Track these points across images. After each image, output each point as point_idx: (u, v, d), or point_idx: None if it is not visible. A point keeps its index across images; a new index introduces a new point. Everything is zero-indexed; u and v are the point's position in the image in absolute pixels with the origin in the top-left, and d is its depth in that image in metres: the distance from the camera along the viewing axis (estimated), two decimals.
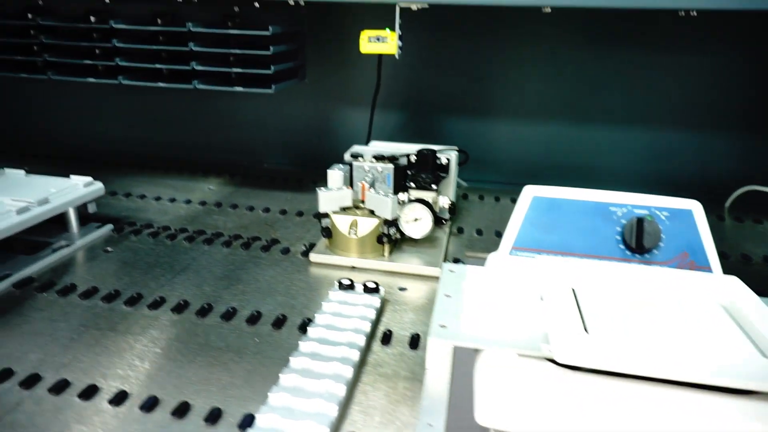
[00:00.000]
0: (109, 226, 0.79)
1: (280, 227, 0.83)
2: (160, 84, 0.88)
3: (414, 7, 0.77)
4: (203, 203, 0.92)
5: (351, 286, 0.62)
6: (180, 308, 0.60)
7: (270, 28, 0.79)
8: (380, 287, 0.62)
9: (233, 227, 0.82)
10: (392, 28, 0.78)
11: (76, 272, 0.68)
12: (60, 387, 0.48)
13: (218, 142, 1.15)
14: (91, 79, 0.90)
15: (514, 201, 0.96)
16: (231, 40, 0.85)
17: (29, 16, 0.89)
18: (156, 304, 0.61)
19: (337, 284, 0.62)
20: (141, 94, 1.13)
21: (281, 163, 1.14)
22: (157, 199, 0.93)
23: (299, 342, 0.52)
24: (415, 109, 1.06)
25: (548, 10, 0.74)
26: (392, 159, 0.80)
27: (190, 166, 1.11)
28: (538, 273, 0.55)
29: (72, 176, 0.78)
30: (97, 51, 0.89)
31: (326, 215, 0.71)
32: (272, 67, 0.81)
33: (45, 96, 1.20)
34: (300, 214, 0.88)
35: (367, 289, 0.61)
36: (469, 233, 0.83)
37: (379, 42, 0.78)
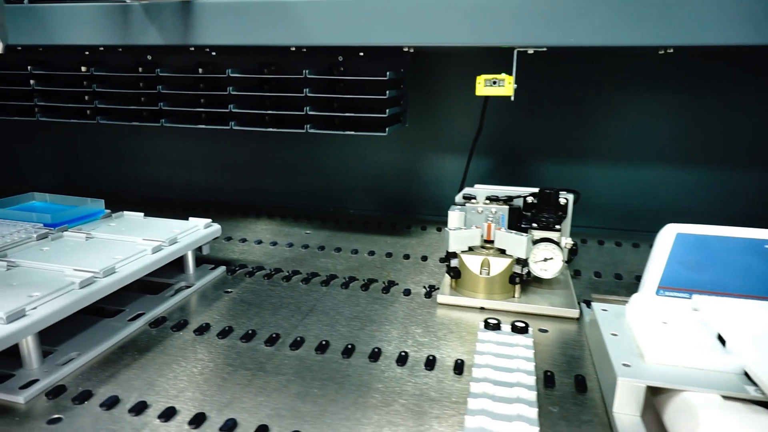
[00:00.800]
0: (222, 268, 0.79)
1: (392, 269, 0.81)
2: (270, 129, 0.89)
3: (530, 50, 0.78)
4: (306, 246, 0.91)
5: (497, 326, 0.60)
6: (322, 348, 0.59)
7: (387, 73, 0.81)
8: (529, 327, 0.59)
9: (344, 269, 0.81)
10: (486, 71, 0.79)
11: (204, 312, 0.67)
12: (230, 427, 0.46)
13: (303, 187, 1.16)
14: (164, 123, 0.92)
15: (619, 245, 0.95)
16: (336, 86, 0.87)
17: (83, 69, 0.94)
18: (297, 344, 0.59)
19: (483, 324, 0.60)
20: (220, 140, 1.16)
21: (366, 209, 1.14)
22: (259, 242, 0.93)
23: (471, 383, 0.49)
24: (505, 152, 1.06)
25: (670, 50, 0.74)
26: (506, 200, 0.79)
27: (280, 211, 1.11)
28: (709, 313, 0.53)
29: (191, 218, 0.79)
30: (205, 100, 0.92)
31: (455, 255, 0.70)
32: (387, 111, 0.82)
33: (126, 144, 1.24)
34: (406, 257, 0.87)
35: (516, 329, 0.59)
36: (587, 275, 0.80)
37: (496, 85, 0.79)
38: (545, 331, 0.63)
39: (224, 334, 0.61)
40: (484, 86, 0.80)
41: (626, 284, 0.77)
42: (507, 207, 0.78)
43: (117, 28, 0.84)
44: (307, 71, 0.83)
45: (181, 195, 1.22)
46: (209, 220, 0.78)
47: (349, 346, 0.59)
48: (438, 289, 0.73)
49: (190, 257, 0.76)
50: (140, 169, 1.25)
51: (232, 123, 0.89)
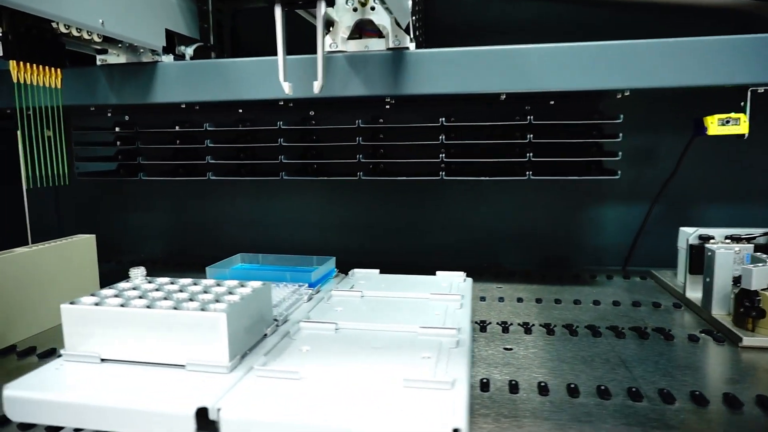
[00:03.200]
0: None
1: (638, 317, 0.78)
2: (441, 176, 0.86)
3: (761, 89, 0.79)
4: (520, 300, 0.86)
5: None
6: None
7: (620, 116, 0.80)
8: None
9: (593, 319, 0.76)
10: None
11: None
12: None
13: (444, 243, 1.11)
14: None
15: None
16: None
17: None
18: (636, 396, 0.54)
19: None
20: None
21: (516, 262, 1.10)
22: None
23: None
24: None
25: None
26: (749, 239, 0.78)
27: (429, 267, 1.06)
28: None
29: (439, 272, 0.73)
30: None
31: (755, 293, 0.67)
32: (620, 154, 0.81)
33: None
34: (636, 304, 0.83)
35: None
36: None
37: (729, 124, 0.80)
38: None
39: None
40: (717, 125, 0.80)
41: None
42: (752, 245, 0.77)
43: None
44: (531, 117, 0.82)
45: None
46: (463, 273, 0.73)
47: (697, 394, 0.54)
48: (717, 333, 0.69)
49: None
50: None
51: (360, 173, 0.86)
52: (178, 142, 1.01)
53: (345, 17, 0.72)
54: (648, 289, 0.91)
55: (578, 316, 0.78)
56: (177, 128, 0.97)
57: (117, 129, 1.03)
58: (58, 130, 0.80)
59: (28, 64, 0.72)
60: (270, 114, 0.98)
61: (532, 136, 0.82)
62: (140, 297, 0.50)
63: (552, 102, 0.91)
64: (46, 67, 0.75)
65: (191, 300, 0.49)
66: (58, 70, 0.78)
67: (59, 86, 0.78)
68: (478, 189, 1.08)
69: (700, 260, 0.78)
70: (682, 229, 0.88)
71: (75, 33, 0.72)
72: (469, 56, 0.74)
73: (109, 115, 1.07)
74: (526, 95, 0.83)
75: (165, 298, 0.50)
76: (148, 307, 0.47)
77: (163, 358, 0.46)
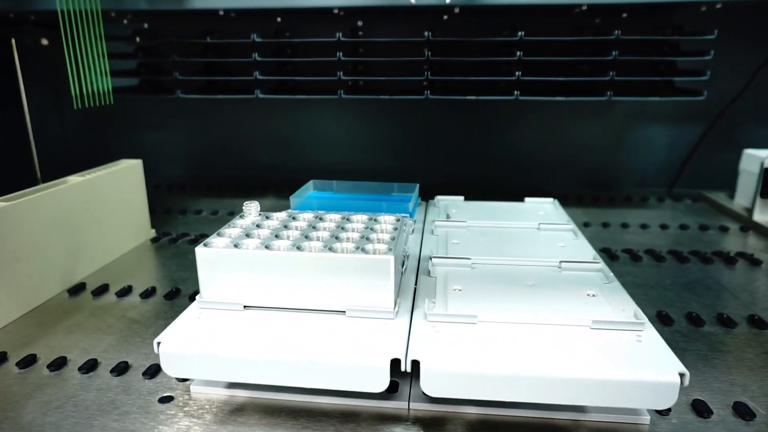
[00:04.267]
0: None
1: (708, 240, 0.78)
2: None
3: None
4: (587, 224, 0.85)
5: None
6: None
7: (716, 31, 0.76)
8: None
9: (667, 244, 0.76)
10: None
11: None
12: None
13: (492, 167, 1.07)
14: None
15: None
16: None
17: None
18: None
19: None
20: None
21: (561, 186, 1.08)
22: None
23: None
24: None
25: None
26: None
27: (479, 194, 1.03)
28: None
29: (527, 198, 0.70)
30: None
31: None
32: (708, 73, 0.78)
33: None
34: (684, 227, 0.83)
35: None
36: None
37: None
38: None
39: None
40: None
41: None
42: None
43: None
44: (617, 32, 0.77)
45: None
46: (551, 199, 0.70)
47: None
48: None
49: None
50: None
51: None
52: (209, 54, 0.92)
53: None
54: (706, 211, 0.92)
55: (653, 240, 0.78)
56: (208, 39, 0.86)
57: (137, 39, 0.92)
58: (99, 39, 0.71)
59: None
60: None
61: (617, 52, 0.77)
62: (276, 236, 0.45)
63: (625, 15, 0.86)
64: None
65: (336, 238, 0.45)
66: None
67: None
68: (522, 110, 1.03)
69: None
70: (747, 151, 0.87)
71: None
72: None
73: (126, 22, 0.95)
74: (600, 7, 0.77)
75: (306, 237, 0.45)
76: (298, 248, 0.43)
77: (316, 303, 0.42)
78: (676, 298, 0.60)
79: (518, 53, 0.79)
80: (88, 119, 1.11)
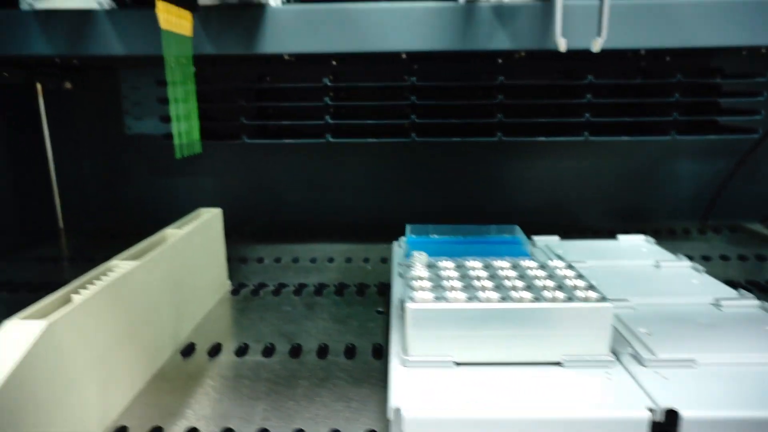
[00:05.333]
0: None
1: None
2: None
3: None
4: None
5: None
6: None
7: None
8: None
9: (738, 275, 0.79)
10: None
11: None
12: None
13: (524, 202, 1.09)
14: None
15: None
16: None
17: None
18: None
19: None
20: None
21: (592, 219, 1.11)
22: None
23: None
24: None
25: None
26: None
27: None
28: None
29: (620, 236, 0.72)
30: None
31: None
32: (762, 112, 0.83)
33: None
34: (761, 257, 0.87)
35: None
36: None
37: None
38: None
39: None
40: None
41: None
42: None
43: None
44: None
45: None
46: (643, 235, 0.73)
47: None
48: None
49: None
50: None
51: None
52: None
53: None
54: (749, 241, 0.96)
55: (725, 271, 0.81)
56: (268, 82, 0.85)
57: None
58: (190, 87, 0.68)
59: (168, 6, 0.60)
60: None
61: (678, 94, 0.82)
62: (465, 287, 0.44)
63: (668, 58, 0.91)
64: (180, 10, 0.63)
65: (543, 288, 0.44)
66: (190, 14, 0.65)
67: (191, 34, 0.66)
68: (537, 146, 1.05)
69: None
70: None
71: None
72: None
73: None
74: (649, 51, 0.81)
75: (497, 287, 0.44)
76: (502, 299, 0.42)
77: (529, 356, 0.41)
78: None
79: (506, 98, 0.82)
80: (107, 164, 1.05)
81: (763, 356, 0.42)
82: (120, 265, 0.49)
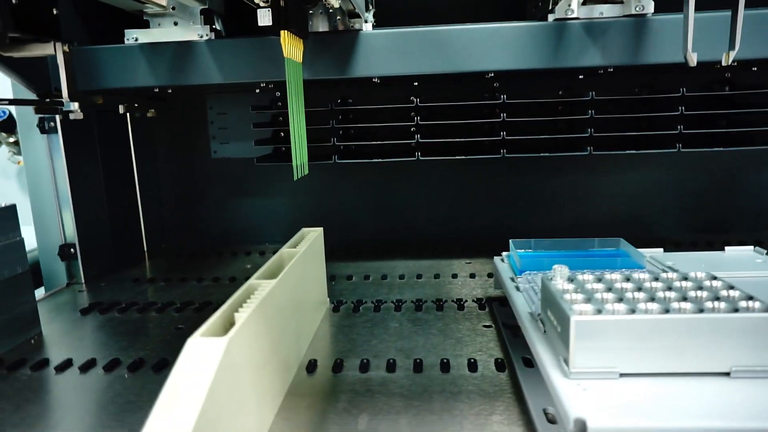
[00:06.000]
0: None
1: None
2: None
3: None
4: None
5: None
6: None
7: None
8: None
9: None
10: None
11: None
12: None
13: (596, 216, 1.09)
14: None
15: None
16: None
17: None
18: None
19: None
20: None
21: (670, 231, 1.10)
22: None
23: None
24: None
25: None
26: None
27: None
28: None
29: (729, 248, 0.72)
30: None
31: None
32: None
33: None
34: None
35: None
36: None
37: None
38: None
39: None
40: None
41: None
42: None
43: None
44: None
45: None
46: (751, 247, 0.72)
47: None
48: None
49: None
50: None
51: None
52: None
53: None
54: None
55: None
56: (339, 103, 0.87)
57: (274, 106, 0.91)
58: (303, 112, 0.70)
59: (289, 34, 0.62)
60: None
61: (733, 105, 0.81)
62: (620, 300, 0.44)
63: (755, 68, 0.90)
64: (295, 38, 0.64)
65: (701, 299, 0.43)
66: (302, 41, 0.67)
67: (300, 59, 0.68)
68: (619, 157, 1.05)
69: None
70: None
71: None
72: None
73: (257, 91, 0.95)
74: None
75: (651, 299, 0.44)
76: (665, 311, 0.42)
77: (695, 366, 0.41)
78: None
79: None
80: (183, 189, 1.08)
81: None
82: (262, 284, 0.50)
